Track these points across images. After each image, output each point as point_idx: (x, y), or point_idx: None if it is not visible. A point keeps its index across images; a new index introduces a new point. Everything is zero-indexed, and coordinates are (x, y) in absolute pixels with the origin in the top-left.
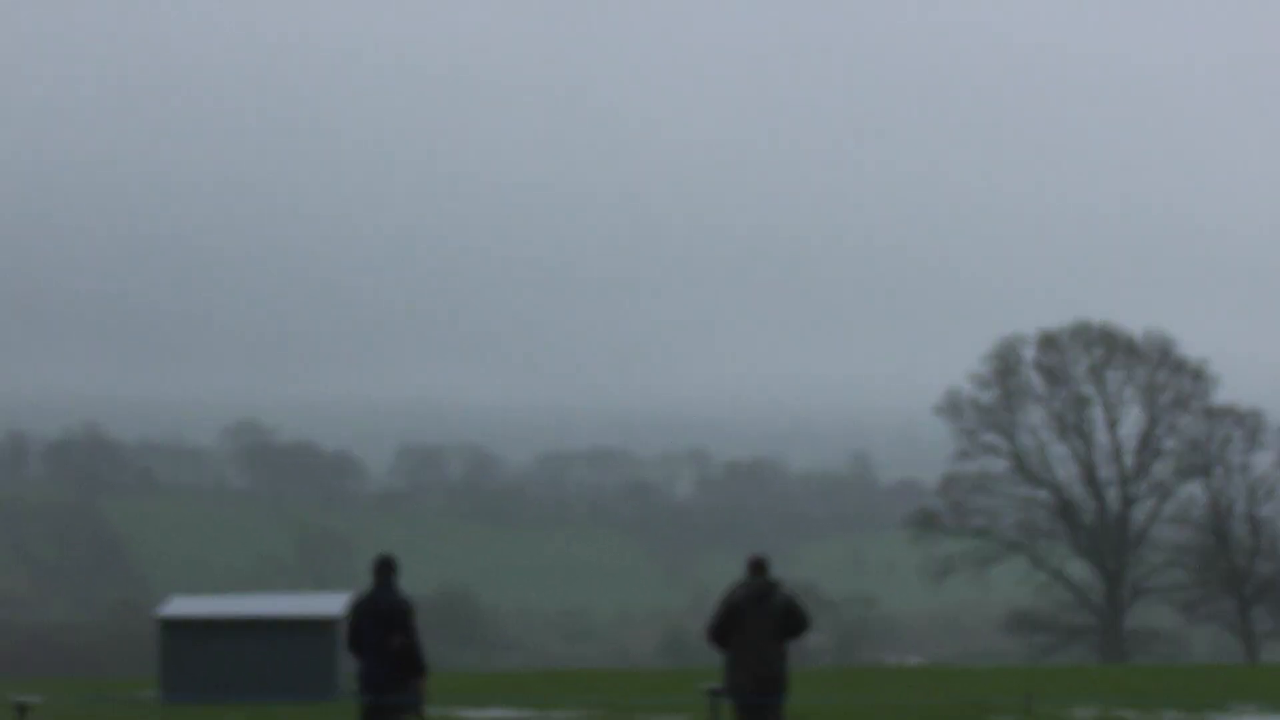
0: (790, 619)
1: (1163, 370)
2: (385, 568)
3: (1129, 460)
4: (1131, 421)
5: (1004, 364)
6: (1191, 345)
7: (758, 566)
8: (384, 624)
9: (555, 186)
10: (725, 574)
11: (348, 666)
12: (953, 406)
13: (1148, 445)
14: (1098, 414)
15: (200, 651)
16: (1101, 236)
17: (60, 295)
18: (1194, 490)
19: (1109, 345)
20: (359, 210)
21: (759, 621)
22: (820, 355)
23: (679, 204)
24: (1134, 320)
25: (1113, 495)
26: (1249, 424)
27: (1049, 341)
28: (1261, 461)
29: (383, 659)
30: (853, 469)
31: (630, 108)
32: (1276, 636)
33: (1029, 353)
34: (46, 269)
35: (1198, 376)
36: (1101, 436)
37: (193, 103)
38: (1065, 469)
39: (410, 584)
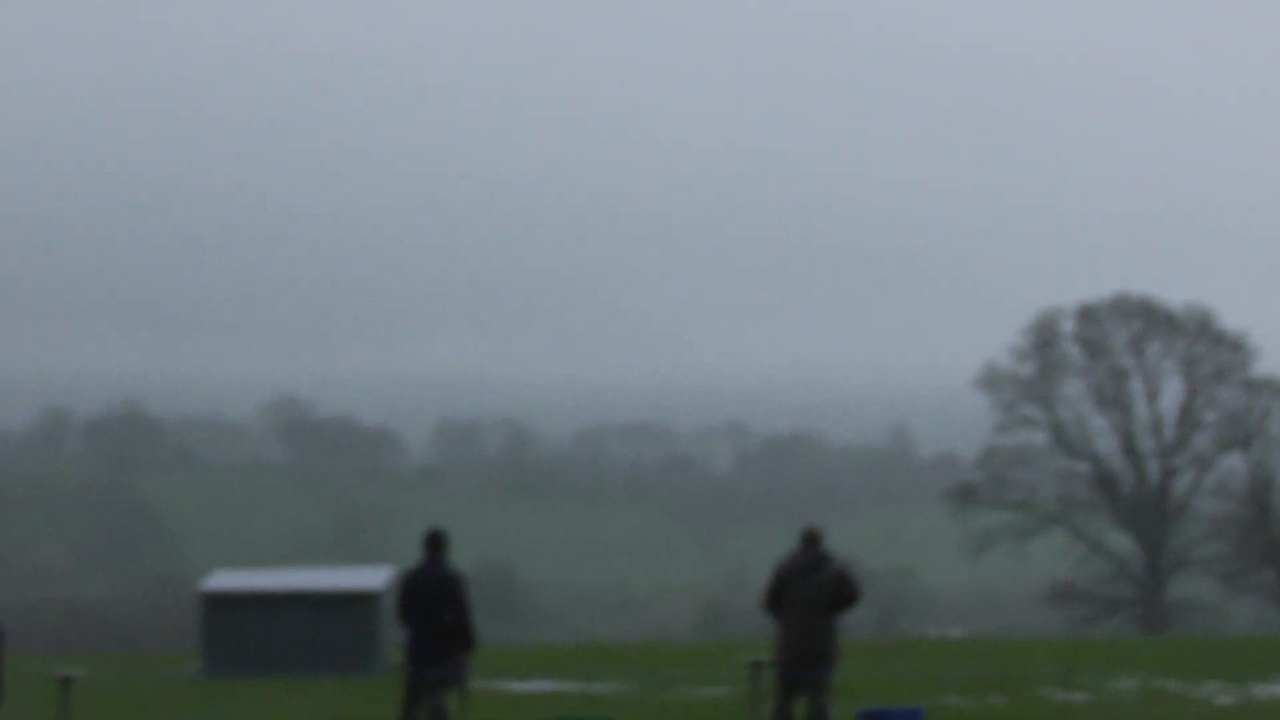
0: (841, 591)
1: (1202, 342)
2: (435, 541)
3: (1169, 433)
4: (1171, 394)
5: (1043, 337)
6: (1231, 317)
7: (810, 538)
8: (434, 597)
9: (591, 161)
10: (763, 548)
11: (390, 640)
12: (991, 380)
13: (1187, 418)
14: (1137, 386)
15: (242, 625)
16: (1140, 209)
17: (97, 273)
18: (1234, 462)
19: (1148, 317)
20: (394, 185)
21: (807, 593)
22: (858, 329)
23: (715, 180)
24: (1173, 293)
25: (1152, 468)
26: None
27: (1088, 314)
28: None
29: (430, 632)
30: (891, 443)
31: (666, 80)
32: None
33: (1068, 325)
34: (84, 247)
35: (1237, 348)
36: (1141, 409)
37: (226, 80)
38: (1105, 441)
39: (450, 559)
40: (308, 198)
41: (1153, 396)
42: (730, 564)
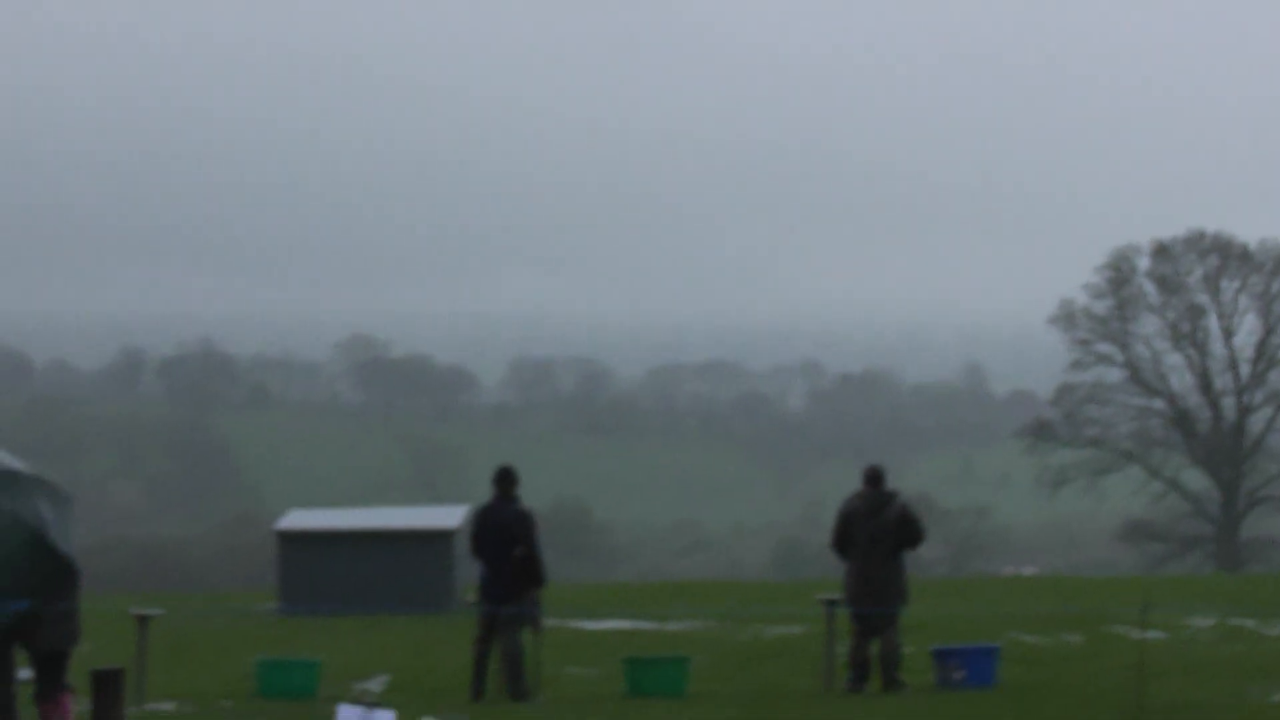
0: (905, 529)
1: (1279, 279)
2: (505, 479)
3: (1244, 369)
4: (1247, 330)
5: (1118, 274)
6: None
7: (873, 477)
8: (504, 535)
9: (664, 103)
10: (837, 486)
11: (465, 579)
12: (1067, 317)
13: (1263, 354)
14: (1213, 323)
15: (318, 564)
16: (1215, 144)
17: (174, 216)
18: None
19: (1223, 253)
20: (468, 123)
21: (873, 532)
22: (933, 267)
23: (792, 123)
24: (1248, 229)
25: (1228, 405)
26: None
27: (1163, 251)
28: None
29: (501, 570)
30: (966, 380)
31: (738, 25)
32: None
33: (1143, 262)
34: (160, 191)
35: None
36: (1217, 346)
37: (296, 30)
38: (1180, 379)
39: (524, 497)
40: (384, 139)
41: (1229, 333)
42: (804, 502)
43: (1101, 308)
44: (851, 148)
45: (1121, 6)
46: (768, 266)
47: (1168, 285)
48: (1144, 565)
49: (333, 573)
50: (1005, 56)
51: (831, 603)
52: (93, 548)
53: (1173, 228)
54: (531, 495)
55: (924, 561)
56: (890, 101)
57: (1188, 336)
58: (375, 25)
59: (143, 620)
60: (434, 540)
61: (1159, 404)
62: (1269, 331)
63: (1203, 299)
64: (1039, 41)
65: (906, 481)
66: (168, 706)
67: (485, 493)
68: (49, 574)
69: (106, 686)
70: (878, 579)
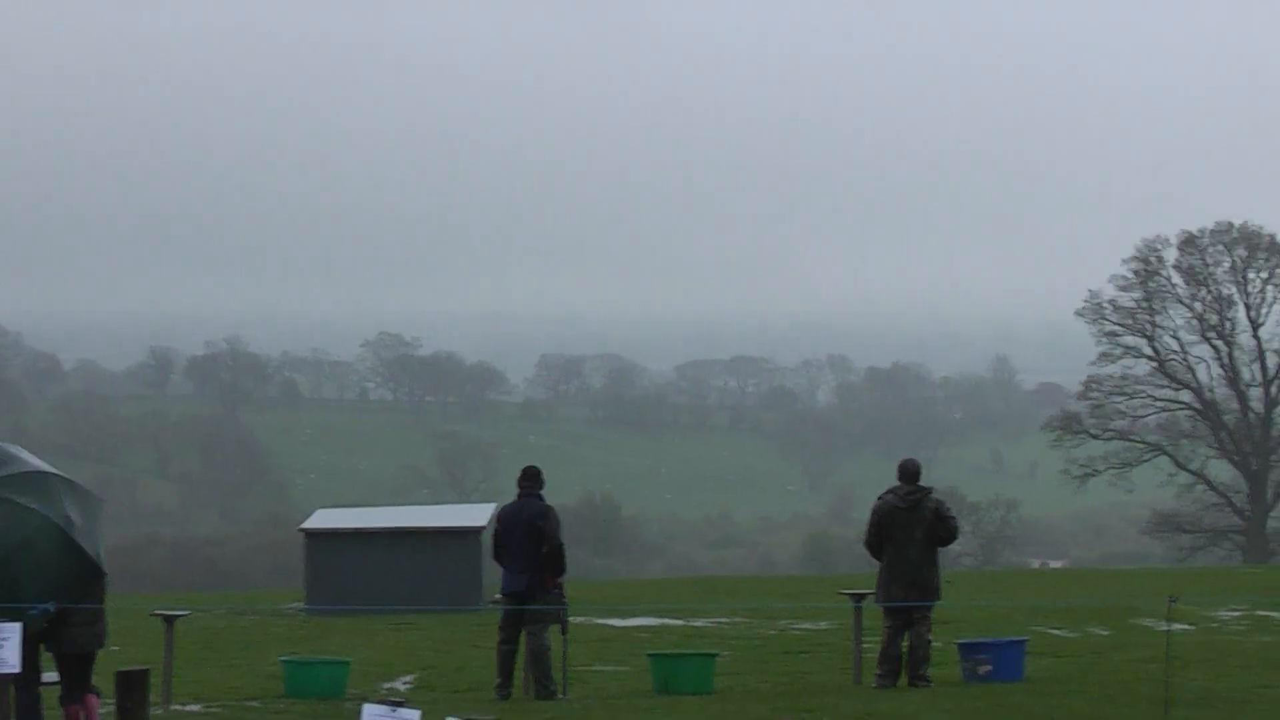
0: (939, 525)
1: None
2: (530, 477)
3: (1272, 361)
4: (1275, 321)
5: (1145, 266)
6: None
7: (908, 473)
8: (529, 533)
9: (691, 103)
10: (866, 480)
11: (492, 576)
12: (1094, 309)
13: None
14: (1240, 315)
15: (345, 563)
16: (1242, 136)
17: (205, 218)
18: None
19: (1250, 245)
20: (498, 125)
21: (908, 528)
22: (960, 260)
23: (818, 120)
24: (1275, 221)
25: (1255, 396)
26: None
27: (1190, 242)
28: None
29: (525, 568)
30: (994, 373)
31: (762, 27)
32: None
33: (1170, 254)
34: (191, 194)
35: None
36: (1244, 338)
37: (326, 30)
38: (1207, 371)
39: (553, 493)
40: (415, 140)
41: (1256, 324)
42: (833, 496)
43: (1128, 300)
44: (879, 144)
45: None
46: (794, 262)
47: (1195, 277)
48: (1172, 557)
49: (359, 571)
50: (1032, 50)
51: (859, 597)
52: (124, 547)
53: (1200, 219)
54: (561, 491)
55: (952, 554)
56: (917, 98)
57: (1215, 328)
58: (410, 21)
59: (168, 621)
60: (462, 538)
61: (1186, 396)
62: None
63: (1230, 290)
64: (1065, 34)
65: (935, 475)
66: (194, 707)
67: (513, 490)
68: (76, 576)
69: (131, 687)
70: (913, 575)
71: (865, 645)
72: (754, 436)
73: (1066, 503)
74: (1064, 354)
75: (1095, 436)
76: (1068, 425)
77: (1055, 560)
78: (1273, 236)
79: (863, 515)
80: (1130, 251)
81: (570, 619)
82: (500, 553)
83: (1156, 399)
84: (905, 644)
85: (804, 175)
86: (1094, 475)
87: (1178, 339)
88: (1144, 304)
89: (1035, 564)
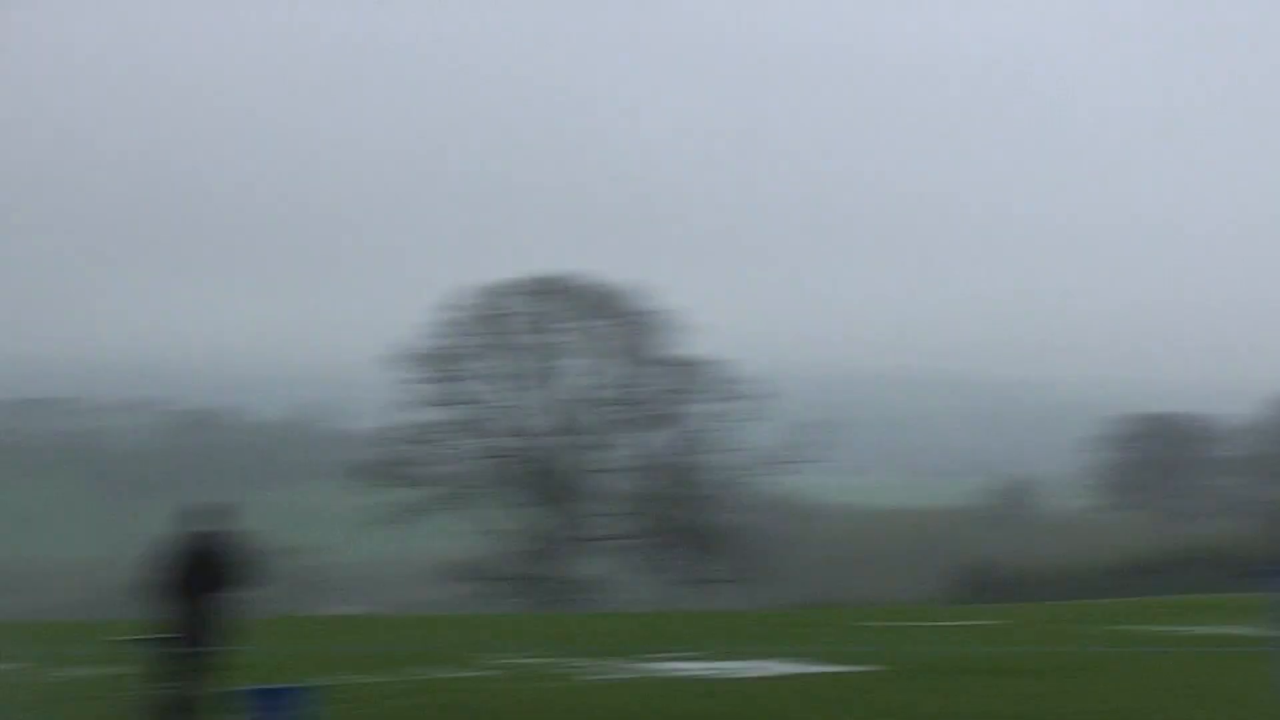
0: (237, 569)
1: (616, 320)
2: None
3: (575, 410)
4: (579, 371)
5: (454, 314)
6: (667, 298)
7: (209, 515)
8: None
9: None
10: (166, 523)
11: None
12: (396, 357)
13: (600, 395)
14: (549, 363)
15: None
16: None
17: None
18: (651, 440)
19: (550, 295)
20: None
21: (205, 570)
22: (284, 307)
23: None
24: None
25: (554, 445)
26: (698, 375)
27: (491, 292)
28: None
29: None
30: (304, 417)
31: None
32: (714, 583)
33: (475, 303)
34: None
35: (653, 327)
36: (552, 386)
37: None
38: (512, 419)
39: None
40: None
41: (556, 375)
42: (129, 538)
43: (434, 348)
44: (197, 189)
45: None
46: (105, 301)
47: (500, 326)
48: (471, 604)
49: None
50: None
51: (141, 642)
52: None
53: (501, 271)
54: None
55: (250, 600)
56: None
57: (519, 377)
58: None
59: None
60: None
61: (489, 443)
62: (602, 372)
63: (533, 339)
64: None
65: (241, 518)
66: None
67: None
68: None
69: None
70: (203, 618)
71: (145, 691)
72: (57, 476)
73: (367, 549)
74: (372, 401)
75: (399, 484)
76: (373, 471)
77: (353, 606)
78: (578, 287)
79: (162, 557)
80: (438, 300)
81: None
82: None
83: (461, 447)
84: (185, 691)
85: (119, 213)
86: (398, 522)
87: (483, 387)
88: (448, 352)
89: (334, 610)
